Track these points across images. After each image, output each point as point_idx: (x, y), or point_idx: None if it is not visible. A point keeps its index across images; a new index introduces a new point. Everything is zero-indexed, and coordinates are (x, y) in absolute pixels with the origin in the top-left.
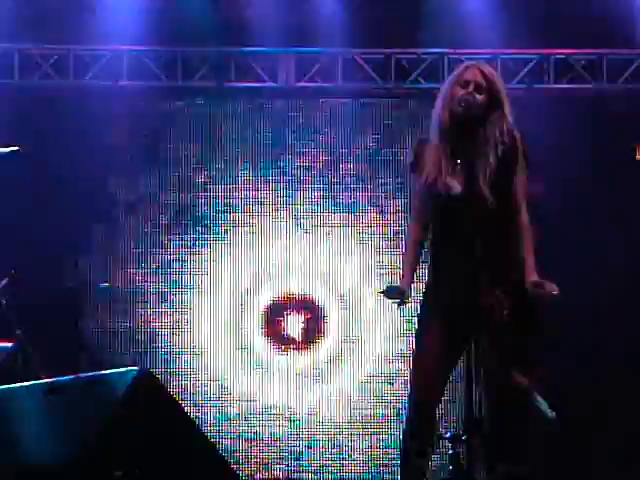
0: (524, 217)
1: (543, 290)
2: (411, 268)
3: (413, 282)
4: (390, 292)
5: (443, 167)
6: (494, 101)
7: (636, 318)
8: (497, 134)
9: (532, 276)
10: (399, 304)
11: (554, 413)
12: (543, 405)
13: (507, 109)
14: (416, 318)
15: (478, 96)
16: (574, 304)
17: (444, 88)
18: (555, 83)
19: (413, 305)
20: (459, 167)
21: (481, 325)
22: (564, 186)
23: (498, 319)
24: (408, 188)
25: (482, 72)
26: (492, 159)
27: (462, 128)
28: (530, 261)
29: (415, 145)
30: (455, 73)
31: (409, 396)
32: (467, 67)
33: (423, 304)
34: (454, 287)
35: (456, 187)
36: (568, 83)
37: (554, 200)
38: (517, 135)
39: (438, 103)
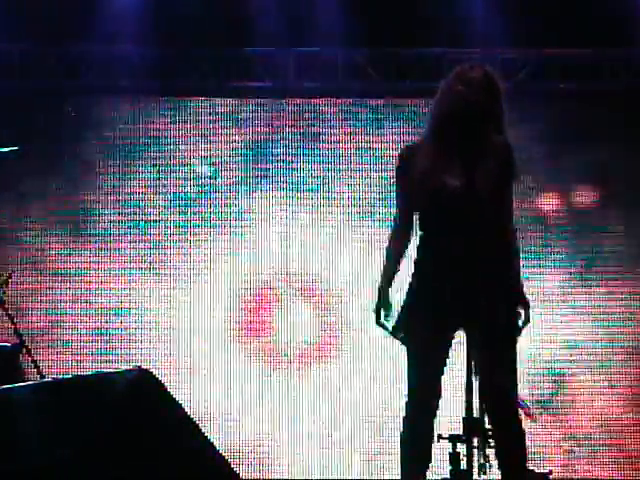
0: (512, 225)
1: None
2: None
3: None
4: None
5: (438, 163)
6: (495, 102)
7: None
8: (495, 136)
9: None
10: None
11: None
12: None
13: (505, 111)
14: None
15: (481, 96)
16: None
17: (446, 84)
18: (555, 83)
19: None
20: (455, 164)
21: (479, 324)
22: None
23: (496, 318)
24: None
25: (485, 73)
26: (491, 159)
27: (459, 126)
28: (515, 274)
29: (402, 151)
30: (458, 71)
31: (407, 396)
32: (471, 67)
33: (413, 301)
34: (450, 284)
35: (452, 182)
36: (568, 83)
37: (553, 201)
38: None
39: (438, 98)
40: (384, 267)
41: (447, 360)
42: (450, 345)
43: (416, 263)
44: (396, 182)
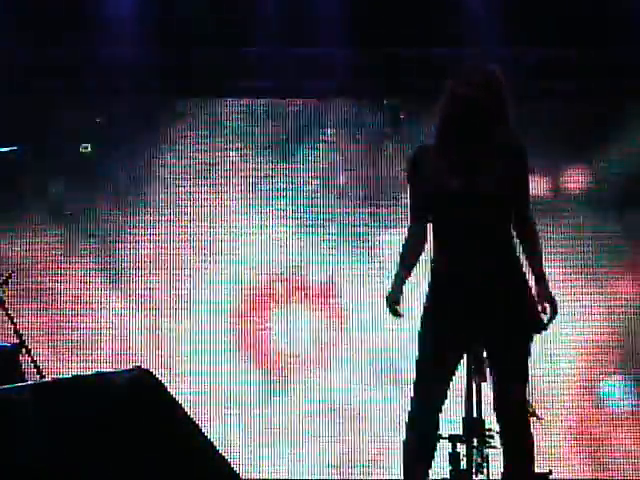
0: (532, 219)
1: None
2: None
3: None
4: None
5: (440, 164)
6: (498, 101)
7: None
8: (502, 134)
9: (539, 287)
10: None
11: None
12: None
13: (510, 110)
14: (417, 315)
15: (482, 96)
16: None
17: (448, 87)
18: (553, 82)
19: (414, 303)
20: (455, 165)
21: (495, 326)
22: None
23: (512, 320)
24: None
25: (486, 72)
26: (499, 159)
27: (466, 128)
28: (538, 270)
29: (414, 152)
30: (459, 72)
31: (413, 398)
32: (472, 67)
33: (429, 304)
34: (466, 287)
35: (452, 183)
36: (567, 83)
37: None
38: (519, 137)
39: (442, 102)
40: (398, 262)
41: (457, 365)
42: (464, 349)
43: (434, 267)
44: (408, 182)
